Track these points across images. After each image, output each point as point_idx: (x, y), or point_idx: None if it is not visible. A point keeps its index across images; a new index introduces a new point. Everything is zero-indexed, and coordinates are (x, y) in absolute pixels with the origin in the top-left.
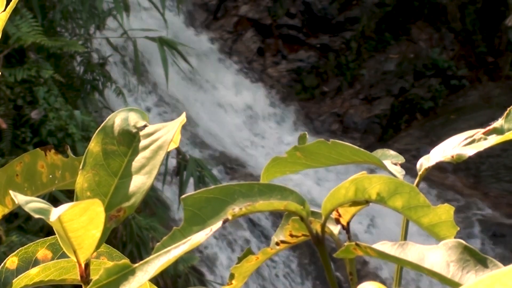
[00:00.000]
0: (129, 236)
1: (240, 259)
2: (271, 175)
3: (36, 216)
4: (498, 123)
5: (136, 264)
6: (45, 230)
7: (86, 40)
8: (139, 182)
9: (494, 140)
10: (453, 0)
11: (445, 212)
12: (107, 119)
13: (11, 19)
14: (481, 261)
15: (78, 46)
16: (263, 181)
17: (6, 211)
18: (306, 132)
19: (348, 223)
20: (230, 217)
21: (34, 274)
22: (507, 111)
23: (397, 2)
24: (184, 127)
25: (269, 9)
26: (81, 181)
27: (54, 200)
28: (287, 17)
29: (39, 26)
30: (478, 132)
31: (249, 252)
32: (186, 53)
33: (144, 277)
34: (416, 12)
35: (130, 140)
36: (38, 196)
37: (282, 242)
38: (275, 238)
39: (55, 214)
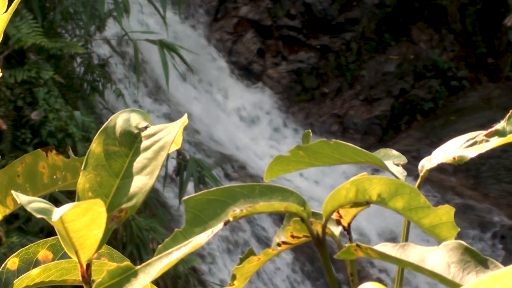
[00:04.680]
0: (129, 237)
1: (241, 260)
2: (275, 173)
3: (38, 216)
4: (500, 125)
5: (138, 266)
6: (46, 231)
7: (86, 41)
8: (141, 183)
9: (496, 142)
10: (453, 1)
11: (445, 213)
12: (109, 120)
13: (11, 20)
14: (482, 262)
15: (78, 47)
16: (267, 179)
17: (7, 211)
18: (310, 130)
19: (349, 224)
20: (231, 219)
21: (35, 275)
22: (509, 113)
23: (397, 3)
24: (184, 128)
25: (269, 10)
26: (82, 182)
27: (55, 201)
28: (287, 18)
29: (39, 27)
30: (480, 134)
31: (251, 253)
32: (187, 56)
33: (146, 279)
34: (416, 13)
35: (131, 141)
36: (39, 197)
37: (284, 243)
38: (276, 239)
39: (57, 214)
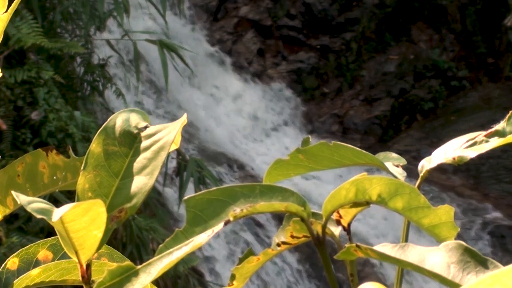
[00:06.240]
0: (129, 237)
1: (241, 260)
2: (274, 178)
3: (38, 216)
4: (500, 125)
5: (139, 266)
6: (46, 231)
7: (86, 41)
8: (141, 183)
9: (496, 142)
10: (453, 1)
11: (445, 213)
12: (109, 120)
13: (11, 20)
14: (482, 263)
15: (78, 47)
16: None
17: (7, 211)
18: (309, 136)
19: (349, 225)
20: (231, 218)
21: (35, 275)
22: (509, 113)
23: (397, 3)
24: (184, 128)
25: (269, 10)
26: (82, 182)
27: (55, 201)
28: (287, 18)
29: (39, 28)
30: (480, 134)
31: (250, 253)
32: (186, 55)
33: (147, 278)
34: (416, 13)
35: (131, 141)
36: (39, 197)
37: (283, 243)
38: (276, 239)
39: (57, 214)
